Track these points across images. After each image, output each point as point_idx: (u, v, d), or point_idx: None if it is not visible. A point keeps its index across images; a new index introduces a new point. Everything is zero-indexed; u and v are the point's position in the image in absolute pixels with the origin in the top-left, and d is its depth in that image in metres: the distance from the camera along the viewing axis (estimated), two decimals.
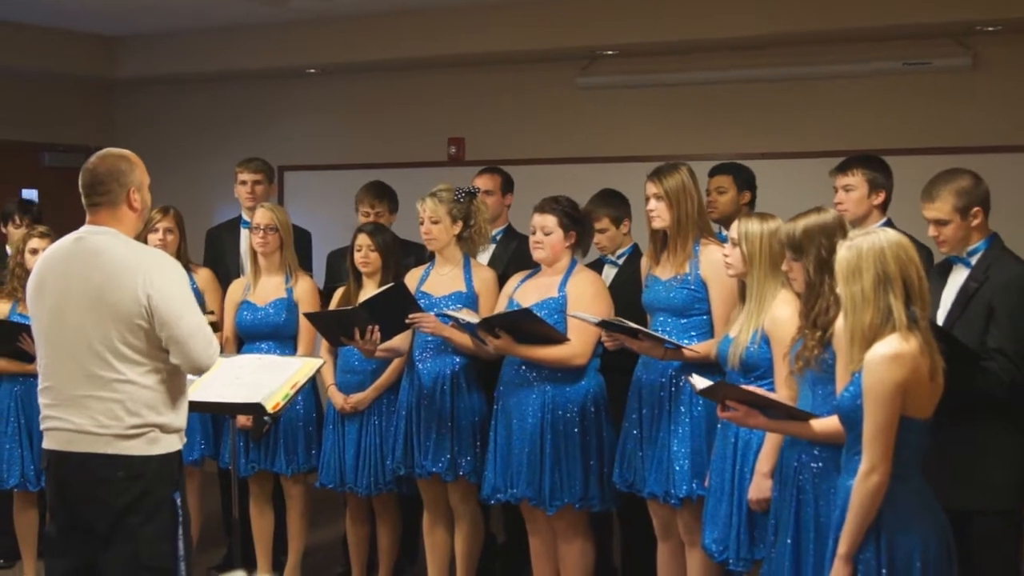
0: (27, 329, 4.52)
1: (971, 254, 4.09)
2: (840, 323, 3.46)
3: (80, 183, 3.77)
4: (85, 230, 3.76)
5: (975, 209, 4.05)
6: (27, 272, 4.14)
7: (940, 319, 4.11)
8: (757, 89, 7.28)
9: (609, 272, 5.32)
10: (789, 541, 3.67)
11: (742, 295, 4.21)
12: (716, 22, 6.90)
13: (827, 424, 3.55)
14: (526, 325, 4.66)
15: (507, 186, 5.88)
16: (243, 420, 5.38)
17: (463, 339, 4.98)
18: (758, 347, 4.06)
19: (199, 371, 3.82)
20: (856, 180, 4.69)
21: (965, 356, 3.87)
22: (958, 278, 4.12)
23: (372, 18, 7.68)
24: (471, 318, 4.80)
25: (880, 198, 4.71)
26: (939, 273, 4.22)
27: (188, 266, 5.72)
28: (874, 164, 4.74)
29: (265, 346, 5.50)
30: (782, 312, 3.97)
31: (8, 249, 6.30)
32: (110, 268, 3.65)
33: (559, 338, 4.70)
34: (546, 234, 4.84)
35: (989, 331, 3.98)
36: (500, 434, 4.88)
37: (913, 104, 6.95)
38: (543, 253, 4.86)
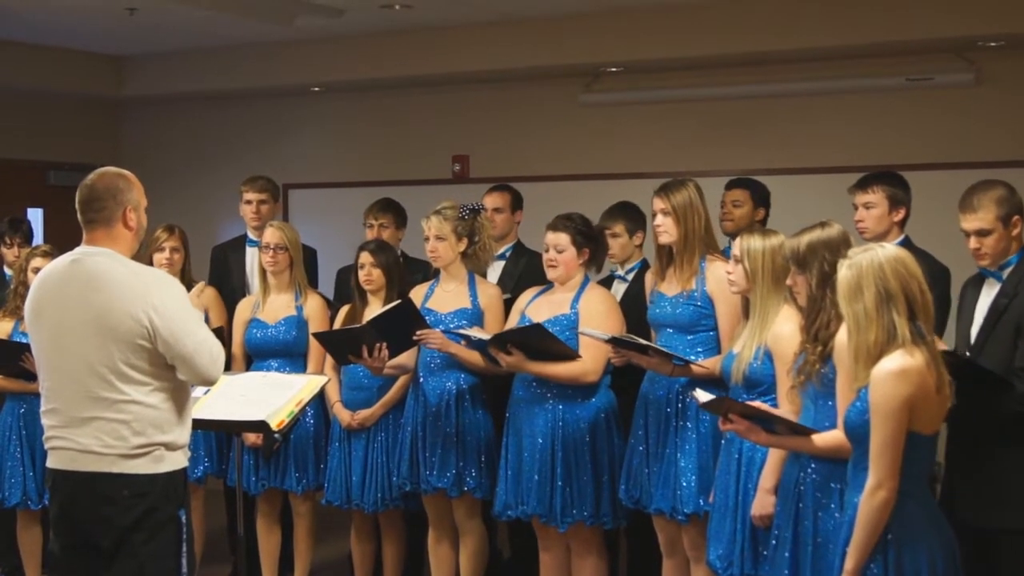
0: (29, 348, 4.52)
1: (1003, 268, 4.05)
2: (840, 337, 3.46)
3: (77, 199, 3.74)
4: (81, 251, 3.73)
5: (1015, 218, 4.01)
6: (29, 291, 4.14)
7: (974, 335, 4.09)
8: (759, 105, 7.29)
9: (619, 288, 5.33)
10: (787, 555, 3.68)
11: (745, 311, 4.22)
12: (719, 39, 6.91)
13: (829, 439, 3.56)
14: (537, 341, 4.66)
15: (516, 203, 5.91)
16: (253, 438, 5.39)
17: (469, 356, 4.99)
18: (761, 363, 4.07)
19: (207, 383, 3.84)
20: (876, 197, 4.61)
21: (994, 382, 3.86)
22: (990, 293, 4.09)
23: (376, 36, 7.71)
24: (482, 335, 4.80)
25: (900, 215, 4.65)
26: (973, 287, 4.20)
27: (192, 285, 5.72)
28: (894, 180, 4.69)
29: (275, 363, 5.50)
30: (785, 328, 3.97)
31: (6, 269, 6.32)
32: (109, 290, 3.63)
33: (571, 355, 4.70)
34: (559, 252, 4.84)
35: (1018, 349, 3.94)
36: (511, 451, 4.89)
37: (916, 120, 6.95)
38: (557, 271, 4.87)
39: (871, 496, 3.21)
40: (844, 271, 3.32)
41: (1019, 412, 3.88)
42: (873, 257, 3.27)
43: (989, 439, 3.96)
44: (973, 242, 4.04)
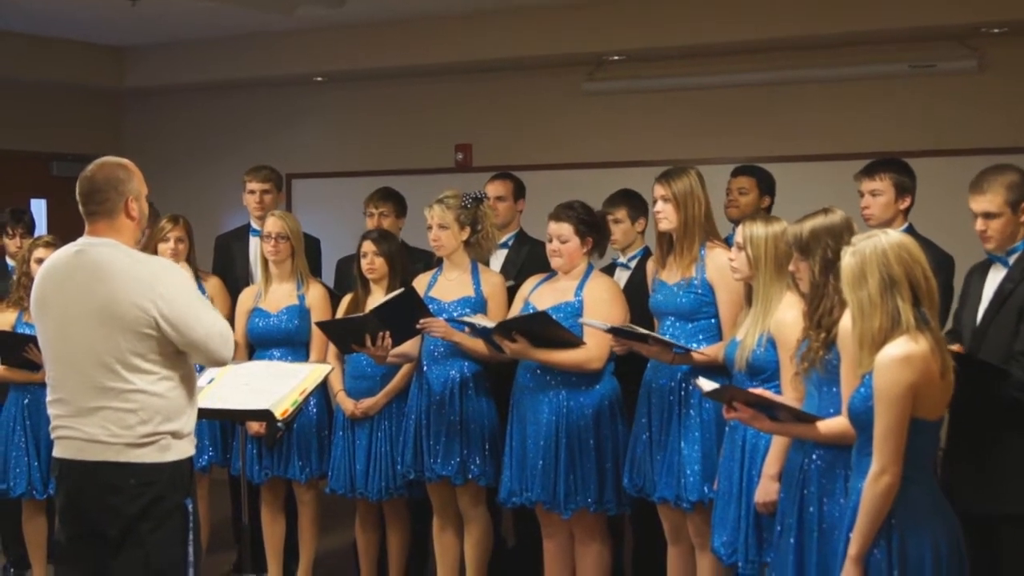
0: (33, 340, 4.51)
1: (1010, 254, 4.05)
2: (844, 323, 3.46)
3: (77, 191, 3.74)
4: (84, 242, 3.73)
5: None
6: (32, 281, 4.15)
7: (978, 320, 4.09)
8: (762, 93, 7.29)
9: (621, 275, 5.32)
10: (792, 541, 3.68)
11: (748, 298, 4.22)
12: (721, 27, 6.90)
13: (833, 425, 3.56)
14: (542, 329, 4.66)
15: (519, 192, 5.91)
16: (256, 427, 5.40)
17: (473, 344, 4.99)
18: (764, 350, 4.07)
19: (220, 365, 3.91)
20: (883, 185, 4.61)
21: (990, 371, 3.86)
22: (996, 277, 4.09)
23: (378, 26, 7.70)
24: (486, 323, 4.80)
25: (906, 202, 4.65)
26: (980, 272, 4.20)
27: (197, 274, 5.74)
28: (900, 168, 4.69)
29: (278, 353, 5.51)
30: (788, 315, 3.97)
31: (8, 260, 6.33)
32: (114, 280, 3.63)
33: (575, 342, 4.70)
34: (563, 242, 4.83)
35: (1019, 333, 3.93)
36: (515, 438, 4.89)
37: (919, 107, 6.94)
38: (560, 261, 4.86)
39: (875, 482, 3.22)
40: (848, 258, 3.32)
41: (1016, 398, 3.88)
42: (877, 243, 3.27)
43: (990, 425, 3.96)
44: (979, 224, 4.04)
